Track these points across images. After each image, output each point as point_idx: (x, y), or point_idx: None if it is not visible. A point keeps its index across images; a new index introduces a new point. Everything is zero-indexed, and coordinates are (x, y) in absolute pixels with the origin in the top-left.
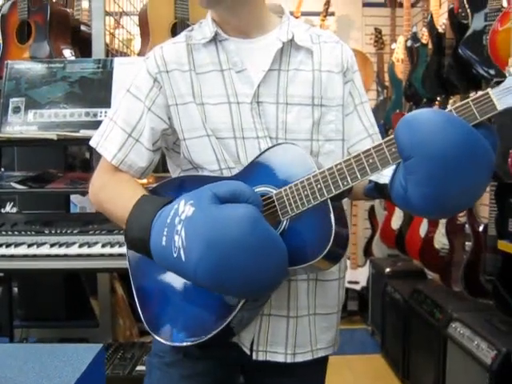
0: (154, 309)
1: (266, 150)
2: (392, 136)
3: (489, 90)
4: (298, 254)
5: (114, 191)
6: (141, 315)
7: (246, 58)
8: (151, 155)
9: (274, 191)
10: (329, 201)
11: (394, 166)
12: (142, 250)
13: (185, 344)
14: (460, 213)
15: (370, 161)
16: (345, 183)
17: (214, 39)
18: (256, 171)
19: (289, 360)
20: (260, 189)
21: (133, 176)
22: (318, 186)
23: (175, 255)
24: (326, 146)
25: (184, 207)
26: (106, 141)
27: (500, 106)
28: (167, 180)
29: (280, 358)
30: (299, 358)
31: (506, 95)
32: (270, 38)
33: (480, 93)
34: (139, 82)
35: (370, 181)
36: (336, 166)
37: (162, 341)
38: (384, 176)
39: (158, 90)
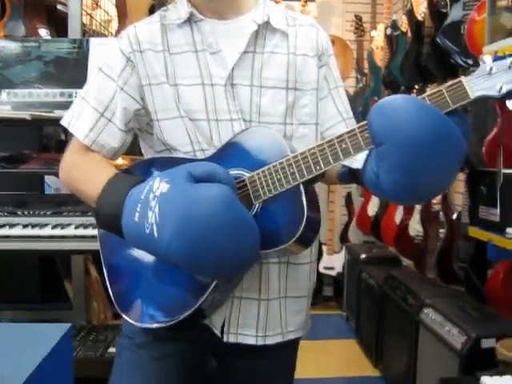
0: (124, 289)
1: (239, 133)
2: (366, 121)
3: (462, 78)
4: (270, 238)
5: (85, 170)
6: (111, 295)
7: (221, 39)
8: (123, 135)
9: (247, 174)
10: (301, 185)
11: (367, 151)
12: (113, 227)
13: (154, 326)
14: (432, 199)
15: (343, 146)
16: (317, 167)
17: (189, 20)
18: (229, 154)
19: (259, 342)
20: (233, 172)
21: (104, 156)
22: (291, 169)
23: (148, 231)
24: (300, 129)
25: (159, 184)
26: (78, 120)
27: (473, 94)
28: (139, 161)
29: (251, 341)
30: (270, 341)
31: (479, 83)
32: (246, 19)
33: (453, 81)
34: (112, 62)
35: (344, 165)
36: (309, 150)
37: (131, 321)
38: (357, 161)
39: (131, 70)
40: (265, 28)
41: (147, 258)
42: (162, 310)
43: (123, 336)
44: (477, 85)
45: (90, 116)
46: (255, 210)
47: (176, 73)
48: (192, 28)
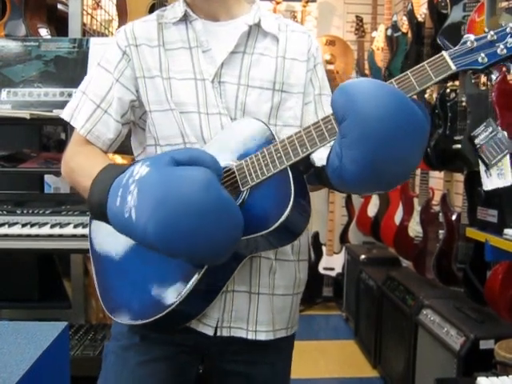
0: (111, 287)
1: (229, 126)
2: None
3: (443, 52)
4: (256, 223)
5: (82, 161)
6: (98, 293)
7: (213, 38)
8: (119, 127)
9: (235, 163)
10: (290, 172)
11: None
12: (102, 215)
13: (138, 322)
14: (394, 186)
15: (329, 126)
16: (304, 150)
17: (185, 19)
18: (217, 146)
19: (250, 336)
20: (222, 163)
21: (100, 148)
22: (278, 154)
23: (127, 215)
24: (284, 131)
25: (139, 168)
26: (79, 114)
27: (454, 66)
28: (138, 160)
29: (243, 334)
30: (261, 337)
31: (461, 57)
32: (238, 22)
33: (435, 56)
34: (109, 56)
35: (312, 167)
36: (296, 134)
37: (118, 320)
38: (322, 159)
39: (126, 63)
40: (256, 30)
41: (132, 254)
42: (148, 307)
43: (111, 339)
44: (459, 57)
45: (87, 108)
46: (243, 197)
47: (170, 67)
48: (187, 26)
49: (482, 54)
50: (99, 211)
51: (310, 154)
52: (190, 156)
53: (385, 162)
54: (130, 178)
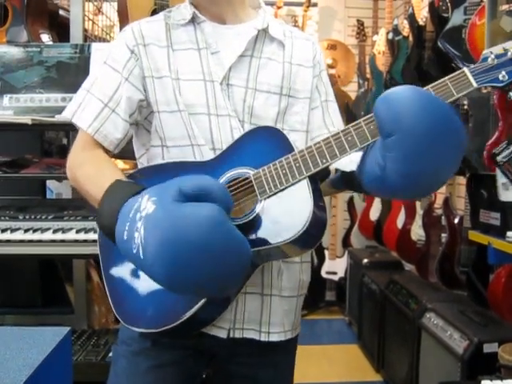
0: (123, 294)
1: (246, 133)
2: (371, 114)
3: (464, 68)
4: (273, 234)
5: (90, 170)
6: (109, 300)
7: (221, 41)
8: (127, 126)
9: (252, 172)
10: (308, 182)
11: (361, 152)
12: (110, 235)
13: (155, 330)
14: (435, 191)
15: (349, 138)
16: (323, 161)
17: (193, 21)
18: (236, 153)
19: (263, 338)
20: (238, 171)
21: (107, 147)
22: (297, 164)
23: (135, 252)
24: (291, 135)
25: (146, 203)
26: (84, 112)
27: (475, 83)
28: (146, 166)
29: (255, 336)
30: (274, 338)
31: (482, 73)
32: (246, 26)
33: (456, 72)
34: (116, 54)
35: (337, 171)
36: (315, 145)
37: (133, 329)
38: (351, 162)
39: (135, 62)
40: (263, 35)
41: None
42: (163, 314)
43: (120, 343)
44: (480, 74)
45: (94, 107)
46: (260, 207)
47: (178, 68)
48: (195, 28)
49: (503, 72)
50: (108, 232)
51: (329, 166)
52: (199, 187)
53: (429, 173)
54: (136, 214)
